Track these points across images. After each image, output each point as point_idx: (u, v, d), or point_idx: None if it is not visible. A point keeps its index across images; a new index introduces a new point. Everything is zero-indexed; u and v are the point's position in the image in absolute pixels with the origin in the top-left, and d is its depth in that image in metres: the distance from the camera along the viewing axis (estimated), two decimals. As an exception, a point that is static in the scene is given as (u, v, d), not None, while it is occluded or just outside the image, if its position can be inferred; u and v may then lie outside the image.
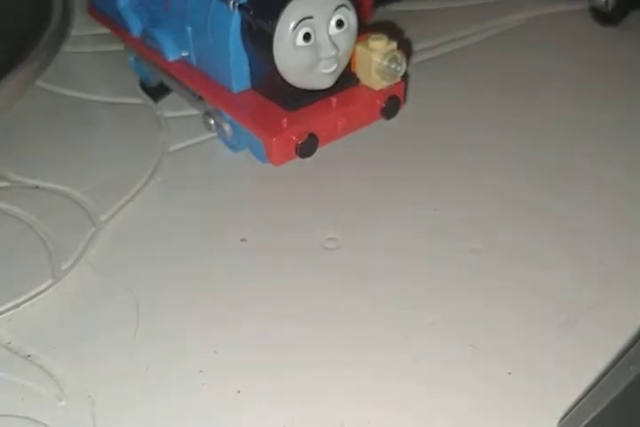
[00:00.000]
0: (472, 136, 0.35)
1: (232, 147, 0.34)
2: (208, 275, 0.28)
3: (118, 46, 0.41)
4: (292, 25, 0.28)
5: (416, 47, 0.42)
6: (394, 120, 0.33)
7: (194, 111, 0.36)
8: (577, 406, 0.21)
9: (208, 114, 0.34)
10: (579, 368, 0.24)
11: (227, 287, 0.28)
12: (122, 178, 0.33)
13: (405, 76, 0.33)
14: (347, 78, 0.32)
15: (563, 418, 0.22)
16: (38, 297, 0.27)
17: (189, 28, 0.32)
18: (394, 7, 0.45)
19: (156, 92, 0.38)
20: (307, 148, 0.30)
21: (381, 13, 0.44)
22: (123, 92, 0.39)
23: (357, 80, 0.32)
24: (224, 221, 0.31)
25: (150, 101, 0.38)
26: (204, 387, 0.24)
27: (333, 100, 0.31)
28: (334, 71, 0.30)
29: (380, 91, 0.32)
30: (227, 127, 0.33)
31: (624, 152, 0.34)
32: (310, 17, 0.28)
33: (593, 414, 0.19)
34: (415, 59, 0.41)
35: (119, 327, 0.26)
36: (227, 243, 0.30)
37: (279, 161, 0.31)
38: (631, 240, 0.29)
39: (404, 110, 0.33)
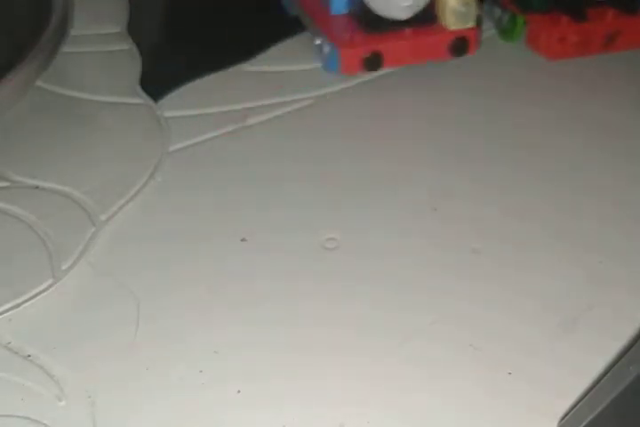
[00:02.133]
0: (473, 136, 0.35)
1: (327, 68, 0.38)
2: (208, 275, 0.28)
3: (119, 46, 0.41)
4: None
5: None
6: (394, 119, 0.33)
7: (194, 111, 0.36)
8: (577, 407, 0.21)
9: (316, 33, 0.38)
10: (579, 368, 0.24)
11: (227, 287, 0.28)
12: (122, 178, 0.33)
13: (479, 22, 0.37)
14: (427, 16, 0.36)
15: (563, 418, 0.22)
16: (38, 297, 0.27)
17: None
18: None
19: (157, 91, 0.38)
20: (371, 62, 0.36)
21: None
22: (123, 92, 0.38)
23: (436, 18, 0.37)
24: (224, 221, 0.31)
25: (150, 101, 0.38)
26: (204, 387, 0.24)
27: (408, 30, 0.36)
28: (411, 5, 0.35)
29: (453, 31, 0.36)
30: (326, 49, 0.37)
31: (625, 152, 0.34)
32: None
33: (593, 415, 0.19)
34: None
35: (119, 327, 0.26)
36: (227, 243, 0.30)
37: (347, 70, 0.37)
38: (631, 240, 0.29)
39: (402, 109, 0.33)
